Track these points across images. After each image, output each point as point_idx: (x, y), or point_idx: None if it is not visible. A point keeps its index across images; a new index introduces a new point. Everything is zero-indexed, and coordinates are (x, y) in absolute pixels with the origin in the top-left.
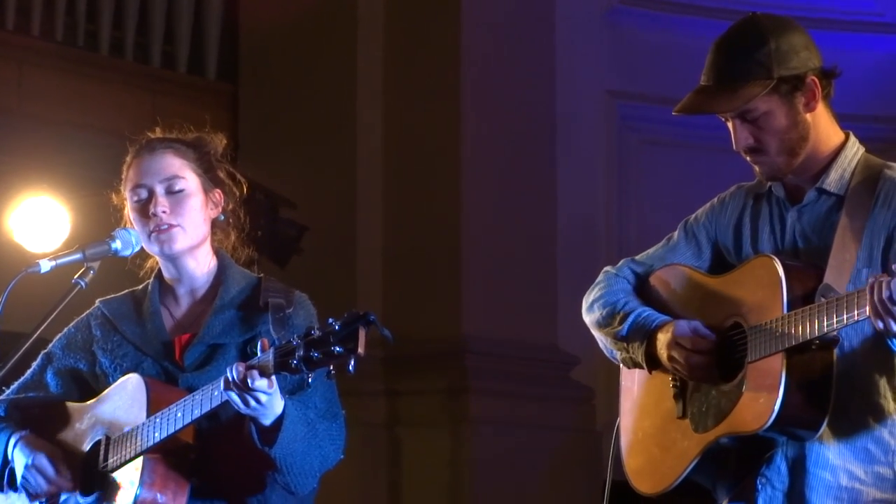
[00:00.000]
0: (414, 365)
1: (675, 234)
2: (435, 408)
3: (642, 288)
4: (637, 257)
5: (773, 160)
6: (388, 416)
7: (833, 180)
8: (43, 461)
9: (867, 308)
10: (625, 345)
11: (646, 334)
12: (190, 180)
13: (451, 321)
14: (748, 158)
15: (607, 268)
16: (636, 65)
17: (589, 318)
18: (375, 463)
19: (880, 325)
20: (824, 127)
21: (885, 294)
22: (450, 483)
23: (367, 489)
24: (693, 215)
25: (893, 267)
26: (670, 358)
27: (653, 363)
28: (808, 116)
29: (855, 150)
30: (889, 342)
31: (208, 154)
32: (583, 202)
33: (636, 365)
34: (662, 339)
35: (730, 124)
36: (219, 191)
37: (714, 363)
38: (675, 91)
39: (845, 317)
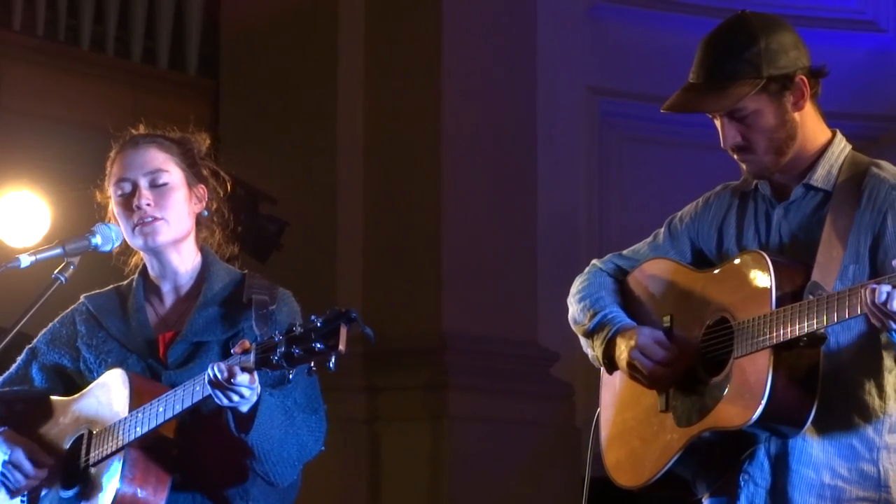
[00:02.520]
0: (394, 361)
1: (661, 231)
2: (415, 404)
3: (627, 282)
4: (624, 252)
5: (760, 158)
6: (369, 411)
7: (820, 176)
8: (20, 457)
9: (858, 308)
10: (590, 342)
11: (606, 335)
12: (174, 174)
13: (432, 317)
14: (736, 156)
15: (595, 261)
16: (617, 61)
17: (569, 313)
18: (355, 458)
19: (879, 324)
20: (812, 125)
21: (878, 299)
22: (429, 478)
23: (347, 484)
24: (678, 213)
25: (894, 263)
26: (630, 365)
27: (612, 365)
28: (797, 115)
29: (842, 147)
30: (889, 334)
31: (192, 151)
32: (563, 198)
33: (601, 364)
34: (622, 344)
35: (717, 122)
36: (202, 186)
37: (674, 375)
38: (656, 88)
39: (835, 315)
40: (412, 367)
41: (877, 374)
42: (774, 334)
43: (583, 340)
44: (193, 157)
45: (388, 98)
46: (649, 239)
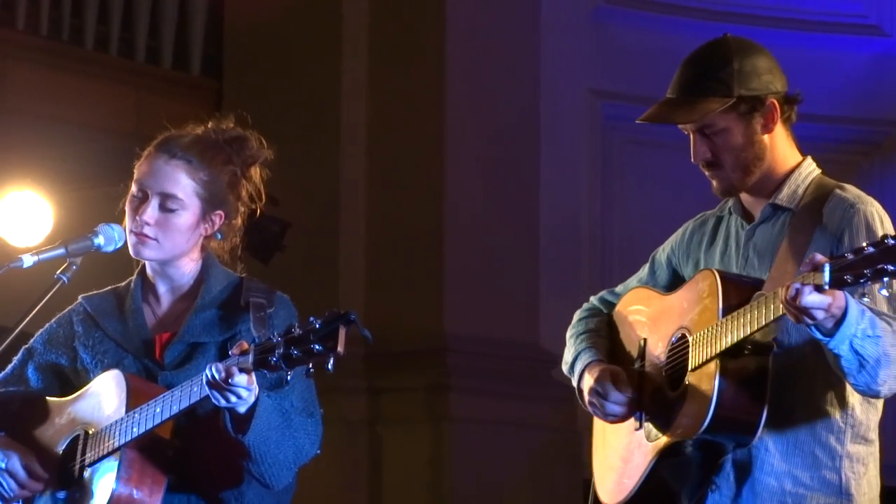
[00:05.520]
0: (396, 362)
1: (646, 265)
2: (416, 405)
3: (613, 315)
4: (616, 288)
5: (728, 175)
6: (370, 413)
7: (785, 196)
8: (16, 465)
9: (781, 308)
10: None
11: (579, 372)
12: (188, 202)
13: (434, 319)
14: (706, 172)
15: (592, 297)
16: (620, 64)
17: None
18: (356, 460)
19: (794, 321)
20: (782, 149)
21: (788, 296)
22: (430, 480)
23: (348, 486)
24: (661, 246)
25: (800, 268)
26: (590, 402)
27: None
28: (766, 137)
29: (810, 170)
30: (812, 332)
31: (233, 172)
32: (566, 201)
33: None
34: (586, 383)
35: (691, 137)
36: (220, 213)
37: (628, 413)
38: (659, 91)
39: (763, 317)
40: (414, 369)
41: (838, 385)
42: (718, 343)
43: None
44: (226, 181)
45: (392, 100)
46: (638, 272)
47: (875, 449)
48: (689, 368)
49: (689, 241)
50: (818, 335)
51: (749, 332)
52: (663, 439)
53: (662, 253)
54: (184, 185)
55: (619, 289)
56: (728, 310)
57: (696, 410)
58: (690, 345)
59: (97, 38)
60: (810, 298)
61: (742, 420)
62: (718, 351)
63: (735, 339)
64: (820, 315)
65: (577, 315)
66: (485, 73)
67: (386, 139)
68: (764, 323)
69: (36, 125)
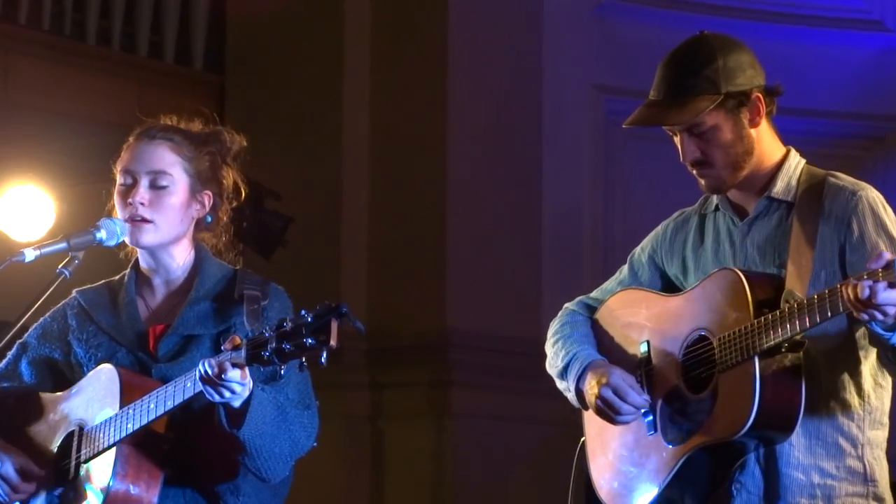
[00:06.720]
0: (398, 357)
1: (624, 267)
2: (418, 400)
3: (598, 319)
4: (591, 294)
5: (718, 173)
6: (372, 408)
7: (780, 189)
8: (9, 470)
9: (841, 306)
10: (565, 384)
11: (577, 372)
12: (177, 177)
13: (436, 314)
14: (694, 171)
15: (566, 304)
16: (624, 59)
17: (546, 360)
18: (358, 455)
19: (864, 317)
20: (767, 142)
21: (861, 295)
22: (432, 476)
23: (350, 481)
24: (639, 247)
25: (870, 266)
26: (601, 400)
27: (583, 401)
28: (753, 131)
29: (797, 161)
30: (872, 325)
31: (209, 154)
32: (568, 196)
33: (578, 402)
34: (593, 380)
35: (677, 138)
36: (208, 192)
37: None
38: None
39: (818, 317)
40: (416, 364)
41: (854, 373)
42: (758, 343)
43: (559, 383)
44: (208, 161)
45: (394, 95)
46: (615, 276)
47: (887, 433)
48: (719, 369)
49: (673, 239)
50: (879, 330)
51: (799, 332)
52: (692, 441)
53: (642, 253)
54: (170, 160)
55: (595, 294)
56: (760, 310)
57: (735, 411)
58: (717, 346)
59: (99, 32)
60: (885, 295)
61: (781, 418)
62: (759, 350)
63: (782, 339)
64: (892, 310)
65: (557, 321)
66: (487, 68)
67: (388, 134)
68: (818, 322)
69: (38, 119)
